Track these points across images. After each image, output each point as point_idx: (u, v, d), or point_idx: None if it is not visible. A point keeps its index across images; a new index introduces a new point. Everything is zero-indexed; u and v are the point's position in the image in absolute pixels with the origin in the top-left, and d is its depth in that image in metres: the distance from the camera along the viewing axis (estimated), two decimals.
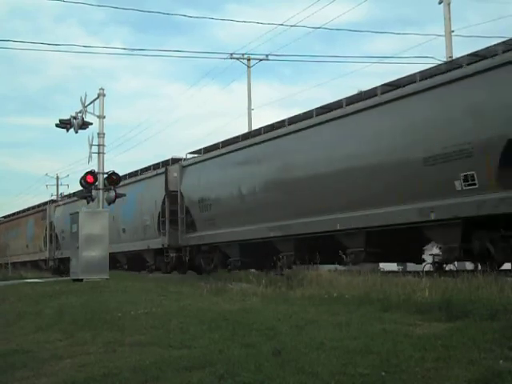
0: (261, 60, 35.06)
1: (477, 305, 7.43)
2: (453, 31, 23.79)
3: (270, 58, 34.55)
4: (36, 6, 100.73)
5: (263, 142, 19.19)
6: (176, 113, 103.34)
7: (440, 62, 23.54)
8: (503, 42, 12.84)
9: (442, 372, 5.05)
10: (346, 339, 6.38)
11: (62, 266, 30.83)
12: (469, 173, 12.59)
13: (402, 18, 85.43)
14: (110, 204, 20.29)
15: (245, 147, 20.03)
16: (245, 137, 20.70)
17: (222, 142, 21.77)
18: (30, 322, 10.40)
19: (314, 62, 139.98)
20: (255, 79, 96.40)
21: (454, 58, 23.02)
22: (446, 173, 13.05)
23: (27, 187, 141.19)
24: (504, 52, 12.45)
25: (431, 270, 14.58)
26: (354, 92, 15.84)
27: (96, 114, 19.82)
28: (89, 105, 19.78)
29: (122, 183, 21.16)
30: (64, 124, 19.83)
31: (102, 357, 6.95)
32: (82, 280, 17.44)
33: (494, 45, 12.97)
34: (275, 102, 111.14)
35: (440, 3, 24.18)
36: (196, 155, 23.83)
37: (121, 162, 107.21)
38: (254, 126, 27.46)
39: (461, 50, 67.82)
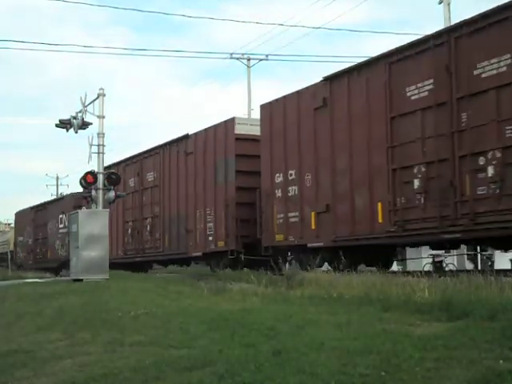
0: (261, 60, 35.20)
1: (477, 305, 7.42)
2: None
3: (269, 58, 34.64)
4: (36, 6, 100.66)
5: None
6: (176, 113, 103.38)
7: None
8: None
9: (442, 372, 5.05)
10: (346, 339, 6.37)
11: None
12: None
13: (400, 19, 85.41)
14: (110, 204, 20.28)
15: None
16: None
17: None
18: (31, 321, 10.41)
19: (314, 62, 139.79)
20: (255, 79, 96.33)
21: None
22: None
23: (27, 187, 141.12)
24: None
25: (430, 270, 14.66)
26: None
27: (96, 114, 19.80)
28: (89, 105, 19.76)
29: None
30: (64, 124, 19.80)
31: (102, 357, 6.96)
32: (82, 280, 17.43)
33: None
34: None
35: (440, 3, 24.19)
36: None
37: None
38: None
39: None
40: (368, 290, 9.96)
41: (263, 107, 18.56)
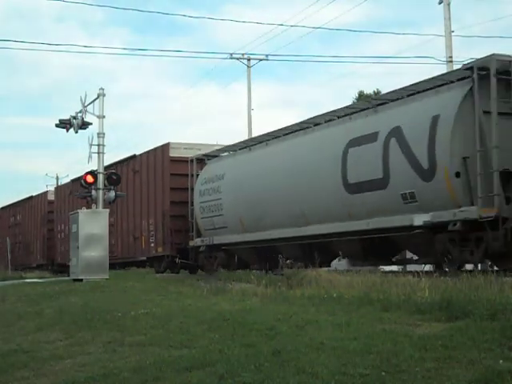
0: (261, 60, 35.11)
1: (477, 305, 7.41)
2: (453, 31, 23.81)
3: (269, 58, 34.63)
4: (36, 6, 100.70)
5: None
6: (176, 113, 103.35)
7: (440, 62, 23.65)
8: None
9: (442, 372, 5.06)
10: (346, 339, 6.37)
11: None
12: None
13: (400, 19, 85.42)
14: (110, 204, 20.28)
15: None
16: None
17: None
18: (31, 321, 10.41)
19: (314, 62, 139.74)
20: (255, 79, 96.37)
21: (453, 58, 23.09)
22: None
23: (27, 187, 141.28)
24: None
25: (431, 270, 14.68)
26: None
27: (96, 114, 19.83)
28: (89, 105, 19.80)
29: None
30: (64, 124, 19.83)
31: (101, 357, 6.97)
32: (82, 280, 17.45)
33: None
34: (275, 102, 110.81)
35: (440, 3, 24.18)
36: None
37: None
38: (255, 126, 27.59)
39: (459, 51, 67.92)
40: (368, 290, 9.96)
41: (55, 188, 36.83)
